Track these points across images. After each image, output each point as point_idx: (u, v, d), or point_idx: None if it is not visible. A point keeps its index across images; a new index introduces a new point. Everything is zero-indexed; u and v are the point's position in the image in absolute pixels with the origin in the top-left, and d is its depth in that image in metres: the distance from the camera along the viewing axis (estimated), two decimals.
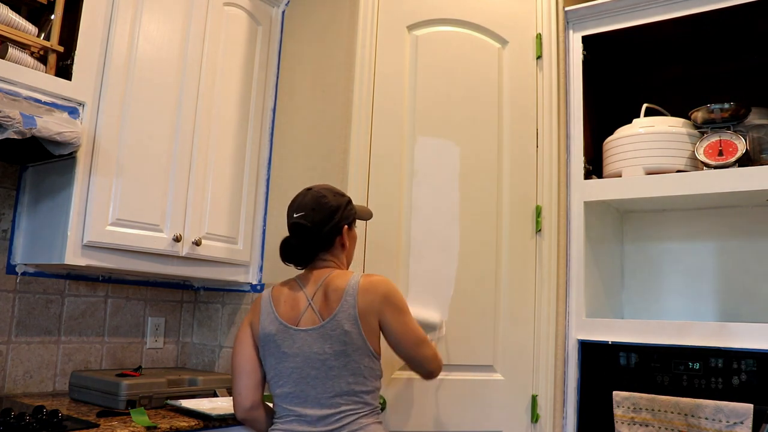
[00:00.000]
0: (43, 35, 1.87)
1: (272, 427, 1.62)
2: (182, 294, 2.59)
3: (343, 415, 1.54)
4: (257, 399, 1.65)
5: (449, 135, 2.23)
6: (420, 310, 2.02)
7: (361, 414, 1.57)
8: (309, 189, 1.69)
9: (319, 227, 1.63)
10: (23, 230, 2.05)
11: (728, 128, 2.11)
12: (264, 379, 1.66)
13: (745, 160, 2.07)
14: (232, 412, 1.82)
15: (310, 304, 1.61)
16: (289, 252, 1.65)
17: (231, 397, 2.03)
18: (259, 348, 1.65)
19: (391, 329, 1.62)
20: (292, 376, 1.58)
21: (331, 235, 1.66)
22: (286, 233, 2.34)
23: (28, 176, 2.07)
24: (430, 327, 2.03)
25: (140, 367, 2.34)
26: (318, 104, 2.33)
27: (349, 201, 1.72)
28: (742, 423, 1.83)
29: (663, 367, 2.04)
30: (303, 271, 1.71)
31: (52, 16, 1.87)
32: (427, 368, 1.70)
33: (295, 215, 1.65)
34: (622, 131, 2.34)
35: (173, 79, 2.14)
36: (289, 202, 1.70)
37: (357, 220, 1.79)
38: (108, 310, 2.32)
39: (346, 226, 1.70)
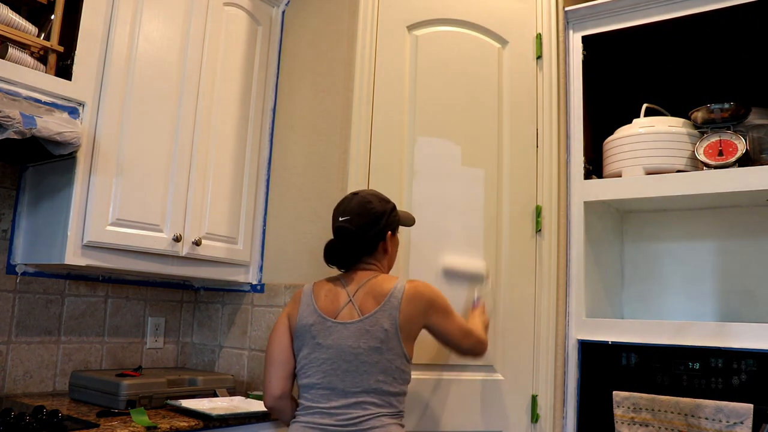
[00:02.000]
0: (43, 35, 1.87)
1: (294, 419, 1.63)
2: (182, 294, 2.59)
3: (367, 411, 1.56)
4: (287, 389, 1.67)
5: (449, 135, 2.23)
6: (466, 261, 2.11)
7: (385, 414, 1.58)
8: (355, 194, 1.74)
9: (363, 232, 1.68)
10: (23, 230, 2.05)
11: (728, 128, 2.11)
12: (295, 372, 1.68)
13: (745, 160, 2.07)
14: (232, 411, 1.83)
15: (351, 300, 1.65)
16: (333, 254, 1.70)
17: (231, 397, 2.03)
18: (294, 339, 1.68)
19: (439, 331, 1.71)
20: (323, 367, 1.60)
21: (374, 240, 1.70)
22: (286, 233, 2.36)
23: (28, 176, 2.07)
24: (477, 277, 2.09)
25: (140, 367, 2.34)
26: (318, 104, 2.33)
27: (394, 207, 1.76)
28: (742, 423, 1.83)
29: (663, 367, 2.04)
30: (344, 272, 1.75)
31: (52, 16, 1.87)
32: (477, 353, 1.81)
33: (340, 219, 1.69)
34: (622, 131, 2.34)
35: (173, 79, 2.14)
36: (335, 205, 1.75)
37: (400, 227, 1.82)
38: (108, 310, 2.32)
39: (389, 232, 1.73)
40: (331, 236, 1.73)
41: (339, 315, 1.63)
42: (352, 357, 1.58)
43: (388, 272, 1.80)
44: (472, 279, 2.09)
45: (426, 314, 1.66)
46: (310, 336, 1.63)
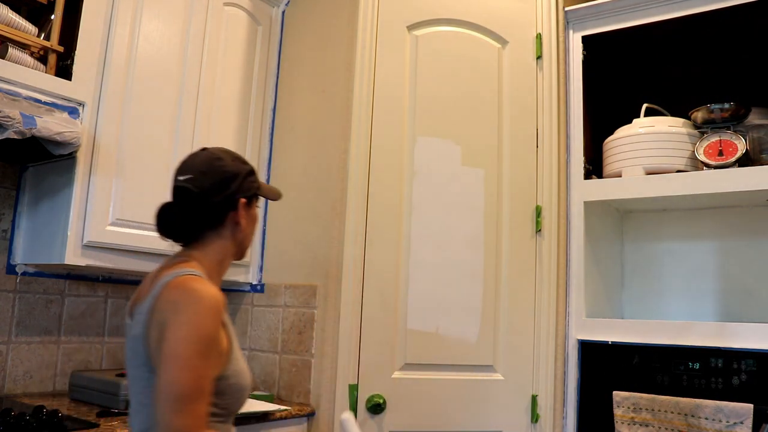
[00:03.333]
0: (43, 35, 1.87)
1: None
2: None
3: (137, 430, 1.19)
4: None
5: (449, 135, 2.23)
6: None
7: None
8: (204, 149, 1.34)
9: (207, 195, 1.26)
10: (23, 230, 2.04)
11: (728, 128, 2.11)
12: None
13: (745, 160, 2.07)
14: None
15: (146, 294, 1.21)
16: (165, 222, 1.28)
17: None
18: None
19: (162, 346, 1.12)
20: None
21: (222, 207, 1.29)
22: (286, 233, 2.36)
23: (28, 176, 2.07)
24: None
25: None
26: (318, 104, 2.33)
27: (252, 171, 1.36)
28: (742, 423, 1.83)
29: (663, 367, 2.04)
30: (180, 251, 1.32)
31: (52, 16, 1.87)
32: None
33: (179, 178, 1.27)
34: (622, 131, 2.34)
35: (173, 79, 2.14)
36: (275, 200, 1.47)
37: (260, 198, 1.41)
38: (108, 310, 2.32)
39: (243, 200, 1.31)
40: None
41: (132, 312, 1.23)
42: (127, 365, 1.23)
43: (242, 253, 1.37)
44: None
45: (163, 320, 1.13)
46: None
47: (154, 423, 1.11)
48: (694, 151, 2.17)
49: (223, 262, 1.32)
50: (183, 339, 1.09)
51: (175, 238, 1.30)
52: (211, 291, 1.16)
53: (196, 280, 1.18)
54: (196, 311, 1.12)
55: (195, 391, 1.08)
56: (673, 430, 1.96)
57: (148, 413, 1.13)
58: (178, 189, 1.27)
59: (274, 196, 1.45)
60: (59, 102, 1.83)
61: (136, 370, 1.18)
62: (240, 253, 1.36)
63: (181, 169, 1.29)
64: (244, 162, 1.35)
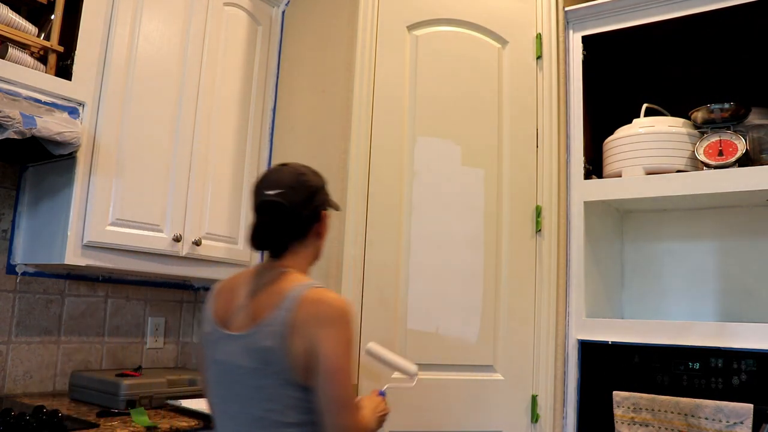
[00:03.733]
0: (43, 35, 1.87)
1: None
2: (182, 294, 2.59)
3: None
4: None
5: (449, 135, 2.23)
6: (397, 357, 1.83)
7: None
8: (284, 164, 1.42)
9: (298, 209, 1.34)
10: (23, 230, 2.05)
11: (728, 128, 2.11)
12: None
13: (745, 160, 2.06)
14: None
15: (247, 304, 1.32)
16: (265, 235, 1.34)
17: None
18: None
19: (320, 370, 1.23)
20: (214, 389, 1.34)
21: (309, 221, 1.38)
22: None
23: (28, 176, 2.07)
24: (405, 371, 1.81)
25: (140, 367, 2.34)
26: (318, 104, 2.33)
27: (326, 184, 1.46)
28: (742, 423, 1.83)
29: (663, 367, 2.04)
30: (260, 264, 1.42)
31: (52, 16, 1.87)
32: None
33: (268, 192, 1.34)
34: (622, 131, 2.34)
35: (173, 79, 2.14)
36: (338, 211, 1.50)
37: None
38: (108, 310, 2.32)
39: (324, 212, 1.43)
40: None
41: (230, 323, 1.32)
42: (237, 378, 1.28)
43: (312, 263, 1.46)
44: (398, 370, 1.81)
45: (313, 334, 1.23)
46: (205, 348, 1.36)
47: None
48: (694, 151, 2.17)
49: (309, 270, 1.43)
50: (343, 354, 1.23)
51: (271, 250, 1.38)
52: (347, 302, 1.30)
53: (328, 291, 1.30)
54: (346, 324, 1.25)
55: (353, 395, 1.27)
56: (673, 430, 1.96)
57: (278, 424, 1.23)
58: (270, 204, 1.34)
59: (338, 207, 1.56)
60: (59, 102, 1.83)
61: (264, 381, 1.24)
62: (316, 260, 1.47)
63: (268, 185, 1.36)
64: (320, 176, 1.46)
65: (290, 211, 1.34)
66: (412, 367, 1.80)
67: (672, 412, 1.96)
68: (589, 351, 2.19)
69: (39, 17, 1.91)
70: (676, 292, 2.47)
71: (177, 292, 2.57)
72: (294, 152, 2.38)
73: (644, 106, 2.36)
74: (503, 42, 2.34)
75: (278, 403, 1.24)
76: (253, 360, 1.25)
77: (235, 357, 1.28)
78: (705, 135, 2.16)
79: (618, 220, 2.62)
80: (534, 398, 2.16)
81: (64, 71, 1.87)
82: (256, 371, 1.25)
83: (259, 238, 1.35)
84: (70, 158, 1.86)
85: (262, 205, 1.36)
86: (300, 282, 1.30)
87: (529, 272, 2.23)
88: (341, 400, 1.22)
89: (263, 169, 2.45)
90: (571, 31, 2.43)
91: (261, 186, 1.37)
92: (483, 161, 2.25)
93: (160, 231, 2.07)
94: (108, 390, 1.87)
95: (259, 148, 2.45)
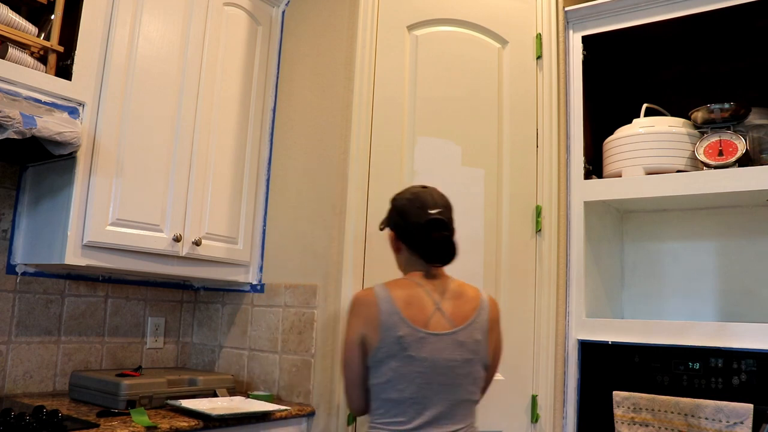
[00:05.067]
0: (43, 35, 1.87)
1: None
2: (182, 294, 2.59)
3: (460, 426, 1.56)
4: (367, 403, 1.62)
5: (449, 135, 2.23)
6: None
7: (472, 423, 1.62)
8: (426, 187, 1.69)
9: (451, 225, 1.64)
10: (23, 230, 2.04)
11: (728, 128, 2.11)
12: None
13: (745, 160, 2.07)
14: (232, 412, 1.83)
15: (438, 308, 1.58)
16: (445, 250, 1.61)
17: (231, 397, 2.03)
18: (372, 352, 1.56)
19: (496, 346, 1.70)
20: (417, 380, 1.53)
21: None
22: (286, 233, 2.35)
23: (28, 176, 2.07)
24: None
25: (140, 367, 2.34)
26: (318, 104, 2.33)
27: None
28: (742, 423, 1.83)
29: (663, 367, 2.04)
30: (414, 273, 1.65)
31: (52, 16, 1.87)
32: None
33: (433, 211, 1.60)
34: (622, 131, 2.34)
35: (173, 79, 2.14)
36: (410, 199, 1.65)
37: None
38: (108, 310, 2.32)
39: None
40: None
41: (429, 325, 1.55)
42: (447, 370, 1.54)
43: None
44: None
45: (497, 328, 1.68)
46: (400, 348, 1.52)
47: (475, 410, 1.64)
48: (694, 151, 2.17)
49: None
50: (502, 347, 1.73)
51: (445, 263, 1.64)
52: None
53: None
54: None
55: None
56: (673, 430, 1.96)
57: (474, 403, 1.62)
58: (445, 222, 1.61)
59: None
60: (59, 102, 1.83)
61: (472, 367, 1.59)
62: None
63: (436, 205, 1.62)
64: None
65: (450, 227, 1.63)
66: None
67: (672, 412, 1.96)
68: (589, 351, 2.19)
69: (39, 17, 1.91)
70: (676, 292, 2.47)
71: (177, 292, 2.57)
72: (294, 152, 2.38)
73: (644, 106, 2.36)
74: (503, 42, 2.34)
75: (476, 386, 1.61)
76: (465, 352, 1.56)
77: (443, 352, 1.54)
78: (705, 135, 2.16)
79: (618, 220, 2.62)
80: (534, 398, 2.16)
81: (64, 71, 1.87)
82: (466, 361, 1.57)
83: (449, 253, 1.61)
84: (70, 158, 1.86)
85: (436, 223, 1.59)
86: (474, 287, 1.68)
87: (529, 272, 2.23)
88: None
89: (263, 168, 2.45)
90: (571, 31, 2.43)
91: (423, 206, 1.61)
92: (483, 161, 2.25)
93: (160, 231, 2.07)
94: (108, 390, 1.87)
95: (259, 148, 2.45)
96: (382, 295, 1.56)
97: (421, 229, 1.60)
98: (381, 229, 1.81)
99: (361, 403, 1.62)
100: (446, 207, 1.63)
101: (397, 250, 1.71)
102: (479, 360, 1.59)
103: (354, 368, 1.59)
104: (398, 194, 1.72)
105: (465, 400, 1.58)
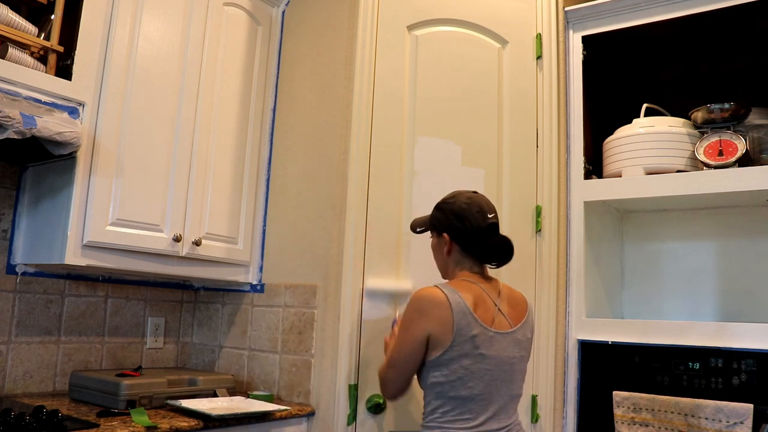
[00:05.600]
0: (43, 35, 1.87)
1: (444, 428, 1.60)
2: (182, 294, 2.59)
3: (515, 419, 1.67)
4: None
5: (449, 135, 2.23)
6: (391, 282, 2.08)
7: (518, 416, 1.72)
8: (475, 192, 1.75)
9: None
10: (23, 230, 2.04)
11: (728, 128, 2.12)
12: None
13: (745, 160, 2.07)
14: (232, 412, 1.83)
15: (498, 308, 1.66)
16: (507, 251, 1.70)
17: (231, 397, 2.03)
18: (444, 350, 1.59)
19: None
20: (485, 377, 1.60)
21: None
22: (286, 233, 2.35)
23: (28, 176, 2.07)
24: (403, 295, 2.03)
25: (140, 367, 2.34)
26: (318, 104, 2.33)
27: None
28: (742, 423, 1.83)
29: (663, 367, 2.04)
30: (468, 274, 1.70)
31: (52, 16, 1.87)
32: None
33: (491, 216, 1.69)
34: (622, 131, 2.34)
35: (173, 79, 2.14)
36: (468, 203, 1.69)
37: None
38: (108, 310, 2.32)
39: None
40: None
41: (495, 324, 1.63)
42: (509, 367, 1.63)
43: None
44: (398, 297, 2.03)
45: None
46: (473, 346, 1.58)
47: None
48: (694, 151, 2.17)
49: None
50: None
51: (503, 264, 1.74)
52: None
53: None
54: None
55: None
56: (673, 430, 1.96)
57: (520, 397, 1.71)
58: (497, 225, 1.71)
59: None
60: (59, 102, 1.83)
61: (524, 364, 1.70)
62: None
63: (491, 209, 1.71)
64: None
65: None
66: (408, 288, 2.04)
67: (672, 412, 1.96)
68: (589, 351, 2.19)
69: (39, 17, 1.91)
70: (676, 292, 2.47)
71: (177, 292, 2.57)
72: (294, 152, 2.39)
73: (644, 106, 2.36)
74: (503, 42, 2.34)
75: (524, 381, 1.71)
76: (521, 349, 1.67)
77: (506, 350, 1.63)
78: (705, 135, 2.16)
79: (618, 220, 2.62)
80: (534, 398, 2.16)
81: (64, 71, 1.87)
82: (522, 358, 1.68)
83: (510, 254, 1.70)
84: (70, 158, 1.86)
85: (495, 226, 1.69)
86: (514, 288, 1.79)
87: (529, 272, 2.23)
88: None
89: (263, 168, 2.45)
90: (571, 31, 2.43)
91: (482, 211, 1.68)
92: (483, 161, 2.25)
93: (160, 231, 2.07)
94: (108, 390, 1.87)
95: (259, 148, 2.45)
96: (452, 295, 1.60)
97: (483, 233, 1.68)
98: (419, 232, 1.84)
99: (404, 391, 1.72)
100: (496, 212, 1.72)
101: (448, 252, 1.73)
102: (528, 357, 1.72)
103: (412, 362, 1.64)
104: (449, 199, 1.74)
105: (517, 395, 1.69)
